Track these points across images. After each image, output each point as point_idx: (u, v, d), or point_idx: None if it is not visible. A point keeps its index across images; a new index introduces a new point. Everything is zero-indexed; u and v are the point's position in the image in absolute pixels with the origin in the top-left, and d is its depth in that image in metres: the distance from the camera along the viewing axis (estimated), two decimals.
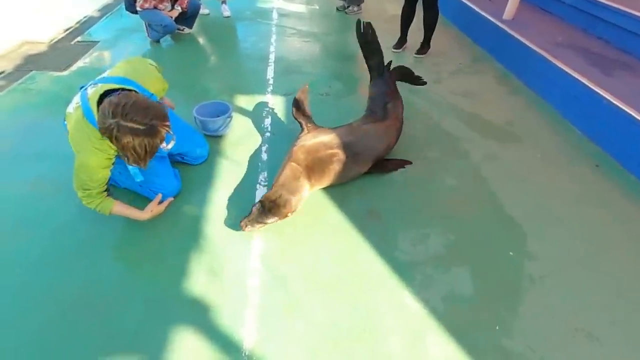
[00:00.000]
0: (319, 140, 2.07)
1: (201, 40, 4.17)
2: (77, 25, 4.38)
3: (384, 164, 2.27)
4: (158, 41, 3.93)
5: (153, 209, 1.83)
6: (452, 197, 2.11)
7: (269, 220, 1.82)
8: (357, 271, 1.70)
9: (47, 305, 1.53)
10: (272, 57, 3.74)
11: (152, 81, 1.78)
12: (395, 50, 3.95)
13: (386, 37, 4.32)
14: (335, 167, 2.02)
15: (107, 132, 1.43)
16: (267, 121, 2.75)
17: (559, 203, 2.09)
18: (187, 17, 4.04)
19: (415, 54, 3.85)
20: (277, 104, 2.95)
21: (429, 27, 3.72)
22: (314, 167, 1.98)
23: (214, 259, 1.74)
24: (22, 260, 1.71)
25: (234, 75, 3.41)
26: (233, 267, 1.71)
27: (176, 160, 2.23)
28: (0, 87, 3.09)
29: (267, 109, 2.90)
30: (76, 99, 1.65)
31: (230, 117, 2.50)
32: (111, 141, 1.46)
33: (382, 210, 2.02)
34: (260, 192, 2.11)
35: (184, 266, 1.70)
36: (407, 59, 3.83)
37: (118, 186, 2.06)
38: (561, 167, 2.36)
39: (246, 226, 1.80)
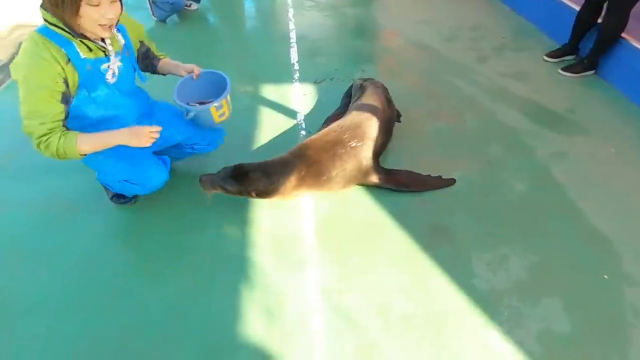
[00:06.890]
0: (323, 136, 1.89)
1: (211, 17, 3.76)
2: None
3: (421, 180, 1.95)
4: (164, 20, 3.53)
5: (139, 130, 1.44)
6: (526, 207, 1.86)
7: (230, 188, 1.69)
8: (433, 305, 1.48)
9: (81, 356, 1.33)
10: (292, 35, 3.35)
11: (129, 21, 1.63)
12: (548, 58, 2.94)
13: (412, 9, 3.82)
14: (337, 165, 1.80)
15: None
16: (300, 116, 2.44)
17: None
18: None
19: (562, 69, 2.79)
20: (309, 94, 2.63)
21: (603, 40, 2.60)
22: (312, 163, 1.77)
23: (268, 293, 1.52)
24: (43, 301, 1.49)
25: (253, 60, 3.05)
26: (291, 304, 1.49)
27: (186, 152, 1.90)
28: None
29: (298, 100, 2.58)
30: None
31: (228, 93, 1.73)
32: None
33: (449, 226, 1.77)
34: (304, 204, 1.86)
35: (236, 304, 1.49)
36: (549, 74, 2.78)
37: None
38: None
39: (204, 183, 1.68)
